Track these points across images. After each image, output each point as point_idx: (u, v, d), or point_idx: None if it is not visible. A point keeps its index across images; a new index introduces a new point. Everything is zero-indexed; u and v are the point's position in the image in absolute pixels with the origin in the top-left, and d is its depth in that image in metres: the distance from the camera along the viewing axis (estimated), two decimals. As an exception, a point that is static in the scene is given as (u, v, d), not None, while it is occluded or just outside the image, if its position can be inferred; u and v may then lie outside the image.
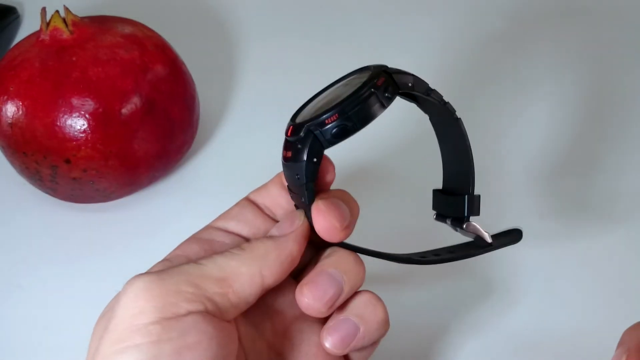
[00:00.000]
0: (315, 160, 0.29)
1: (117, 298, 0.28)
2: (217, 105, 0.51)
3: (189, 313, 0.26)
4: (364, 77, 0.29)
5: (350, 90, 0.29)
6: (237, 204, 0.33)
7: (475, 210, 0.33)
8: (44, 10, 0.42)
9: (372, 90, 0.28)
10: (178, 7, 0.59)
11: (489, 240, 0.33)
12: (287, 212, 0.32)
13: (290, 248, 0.29)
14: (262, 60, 0.55)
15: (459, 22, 0.57)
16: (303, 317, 0.31)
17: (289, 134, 0.29)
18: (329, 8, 0.59)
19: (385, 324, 0.31)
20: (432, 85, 0.31)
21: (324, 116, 0.28)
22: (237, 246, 0.29)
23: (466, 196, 0.33)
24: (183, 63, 0.46)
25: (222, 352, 0.27)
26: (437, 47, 0.55)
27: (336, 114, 0.28)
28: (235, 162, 0.48)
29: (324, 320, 0.31)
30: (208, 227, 0.32)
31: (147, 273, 0.28)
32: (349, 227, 0.30)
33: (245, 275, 0.28)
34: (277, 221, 0.32)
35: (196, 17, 0.59)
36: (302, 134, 0.28)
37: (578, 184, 0.47)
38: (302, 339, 0.31)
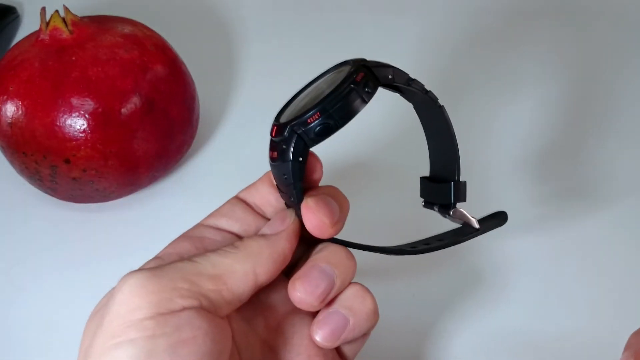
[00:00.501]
0: (301, 159, 0.29)
1: (110, 294, 0.28)
2: (217, 105, 0.51)
3: (184, 309, 0.26)
4: (343, 73, 0.29)
5: (330, 87, 0.29)
6: (227, 202, 0.33)
7: (461, 196, 0.34)
8: (43, 10, 0.42)
9: (352, 86, 0.28)
10: (178, 7, 0.59)
11: (476, 225, 0.34)
12: (278, 210, 0.32)
13: (283, 246, 0.30)
14: (262, 60, 0.55)
15: (457, 21, 0.57)
16: (295, 311, 0.31)
17: (273, 134, 0.29)
18: (329, 8, 0.59)
19: (375, 314, 0.31)
20: (427, 84, 0.31)
21: (306, 115, 0.28)
22: (231, 244, 0.30)
23: (452, 183, 0.34)
24: (183, 63, 0.46)
25: (216, 348, 0.27)
26: (435, 44, 0.55)
27: (318, 113, 0.28)
28: (235, 162, 0.48)
29: (316, 314, 0.31)
30: (199, 225, 0.32)
31: (141, 270, 0.28)
32: (338, 223, 0.30)
33: (239, 273, 0.28)
34: (267, 219, 0.32)
35: (196, 17, 0.59)
36: (286, 134, 0.29)
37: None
38: (295, 333, 0.31)
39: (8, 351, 0.40)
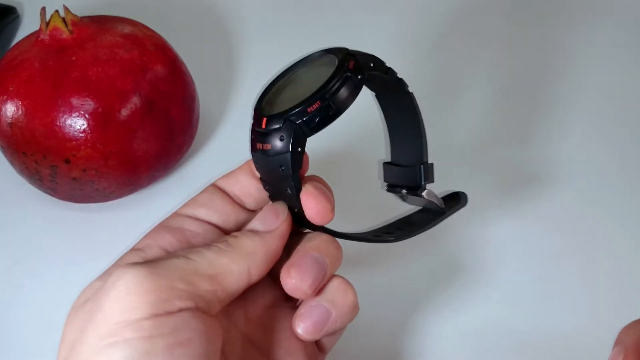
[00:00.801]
0: (299, 150, 0.29)
1: (101, 287, 0.27)
2: (217, 105, 0.51)
3: (180, 310, 0.26)
4: (332, 61, 0.29)
5: (323, 75, 0.29)
6: (204, 191, 0.33)
7: (430, 177, 0.35)
8: (43, 10, 0.42)
9: (347, 74, 0.29)
10: (178, 7, 0.59)
11: (442, 205, 0.35)
12: (258, 201, 0.32)
13: (277, 244, 0.30)
14: (262, 60, 0.55)
15: (456, 20, 0.57)
16: (275, 304, 0.32)
17: (263, 126, 0.29)
18: (329, 8, 0.59)
19: (356, 308, 0.31)
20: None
21: (305, 105, 0.28)
22: (224, 241, 0.29)
23: (422, 165, 0.34)
24: (183, 63, 0.46)
25: (210, 348, 0.27)
26: (435, 43, 0.55)
27: (318, 102, 0.28)
28: (235, 162, 0.48)
29: (295, 307, 0.31)
30: (177, 215, 0.32)
31: (137, 266, 0.27)
32: (334, 208, 0.30)
33: (234, 274, 0.28)
34: (246, 209, 0.32)
35: (196, 17, 0.59)
36: (282, 125, 0.28)
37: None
38: (275, 325, 0.31)
39: (8, 351, 0.40)
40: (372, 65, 0.30)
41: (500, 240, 0.44)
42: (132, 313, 0.26)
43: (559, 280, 0.42)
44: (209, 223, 0.32)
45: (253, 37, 0.57)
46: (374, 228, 0.35)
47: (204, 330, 0.27)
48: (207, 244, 0.29)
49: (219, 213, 0.32)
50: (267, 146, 0.29)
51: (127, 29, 0.44)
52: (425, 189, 0.35)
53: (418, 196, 0.35)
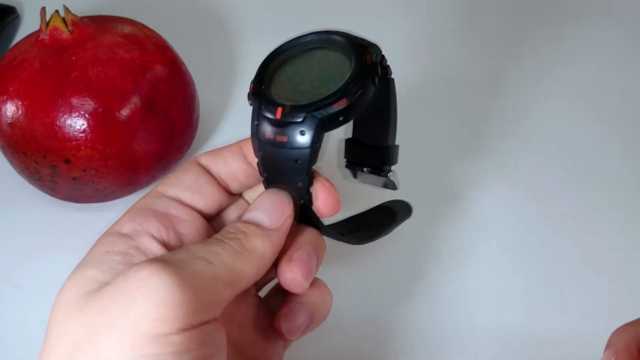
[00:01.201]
0: (318, 144, 0.28)
1: (124, 290, 0.25)
2: (217, 105, 0.51)
3: (203, 323, 0.25)
4: (340, 45, 0.29)
5: (331, 62, 0.29)
6: (189, 170, 0.31)
7: (396, 159, 0.36)
8: (43, 10, 0.42)
9: (369, 71, 0.28)
10: (178, 7, 0.59)
11: (398, 186, 0.36)
12: (244, 185, 0.32)
13: (282, 242, 0.29)
14: (262, 60, 0.55)
15: (458, 21, 0.57)
16: (244, 299, 0.31)
17: (278, 116, 0.28)
18: (330, 8, 0.59)
19: (330, 309, 0.31)
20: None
21: (331, 101, 0.28)
22: (235, 238, 0.28)
23: (390, 147, 0.35)
24: (183, 63, 0.46)
25: (223, 358, 0.27)
26: (435, 43, 0.55)
27: (344, 99, 0.27)
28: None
29: (266, 304, 0.32)
30: (160, 195, 0.31)
31: (164, 270, 0.25)
32: None
33: (247, 277, 0.28)
34: (231, 193, 0.32)
35: (196, 17, 0.59)
36: (302, 119, 0.28)
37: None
38: (251, 323, 0.31)
39: (7, 351, 0.40)
40: (376, 55, 0.30)
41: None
42: (161, 326, 0.24)
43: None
44: (193, 208, 0.31)
45: (253, 37, 0.57)
46: (334, 222, 0.34)
47: (222, 342, 0.26)
48: (217, 239, 0.28)
49: (206, 198, 0.31)
50: (283, 138, 0.28)
51: (127, 29, 0.44)
52: (390, 169, 0.35)
53: (383, 176, 0.35)
